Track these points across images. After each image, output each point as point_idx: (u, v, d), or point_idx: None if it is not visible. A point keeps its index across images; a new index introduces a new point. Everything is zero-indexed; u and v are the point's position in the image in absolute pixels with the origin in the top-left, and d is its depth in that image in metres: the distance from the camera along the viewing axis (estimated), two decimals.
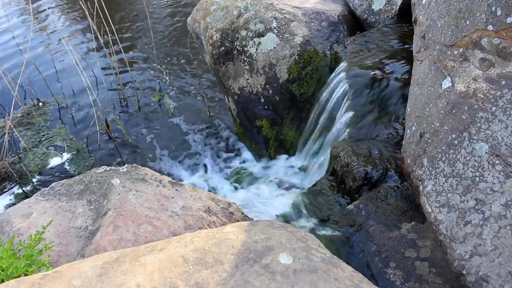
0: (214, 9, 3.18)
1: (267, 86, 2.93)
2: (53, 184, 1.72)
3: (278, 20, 2.89)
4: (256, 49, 2.91)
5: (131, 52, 5.06)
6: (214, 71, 3.44)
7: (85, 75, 3.73)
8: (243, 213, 1.73)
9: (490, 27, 1.29)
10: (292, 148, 2.94)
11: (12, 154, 3.50)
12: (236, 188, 2.93)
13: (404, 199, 1.75)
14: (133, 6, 6.40)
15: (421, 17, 1.68)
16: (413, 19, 1.83)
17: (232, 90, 3.16)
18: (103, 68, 4.70)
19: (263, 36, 2.89)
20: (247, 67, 2.98)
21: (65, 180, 1.75)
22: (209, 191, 1.93)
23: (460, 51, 1.41)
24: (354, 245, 1.67)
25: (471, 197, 1.24)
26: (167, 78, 4.51)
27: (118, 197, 1.55)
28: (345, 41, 2.73)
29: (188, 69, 4.68)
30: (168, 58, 4.93)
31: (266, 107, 2.99)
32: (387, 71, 2.29)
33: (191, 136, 3.70)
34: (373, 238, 1.64)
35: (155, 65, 4.69)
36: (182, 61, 4.85)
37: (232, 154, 3.46)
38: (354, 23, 3.11)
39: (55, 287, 1.02)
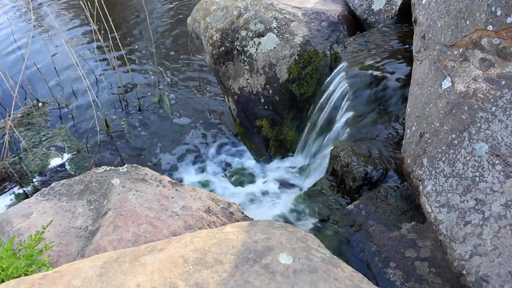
0: (214, 9, 3.18)
1: (267, 86, 2.93)
2: (53, 184, 1.72)
3: (278, 20, 2.89)
4: (256, 49, 2.91)
5: (131, 52, 5.06)
6: (214, 71, 3.44)
7: (85, 75, 3.73)
8: (243, 213, 1.73)
9: (490, 27, 1.29)
10: (292, 148, 2.94)
11: (13, 154, 3.50)
12: (236, 188, 2.93)
13: (404, 199, 1.75)
14: (133, 6, 6.41)
15: (421, 17, 1.68)
16: (413, 19, 1.83)
17: (232, 90, 3.16)
18: (103, 68, 4.70)
19: (263, 36, 2.89)
20: (247, 67, 2.98)
21: (65, 180, 1.75)
22: (209, 191, 1.93)
23: (460, 51, 1.41)
24: (354, 245, 1.67)
25: (471, 197, 1.24)
26: (167, 78, 4.51)
27: (118, 197, 1.55)
28: (345, 41, 2.73)
29: (188, 69, 4.68)
30: (168, 58, 4.93)
31: (266, 107, 2.99)
32: (387, 71, 2.29)
33: (191, 136, 3.70)
34: (373, 238, 1.64)
35: (155, 65, 4.69)
36: (182, 61, 4.85)
37: (232, 154, 3.46)
38: (354, 23, 3.11)
39: (55, 287, 1.02)
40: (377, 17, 2.96)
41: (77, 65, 3.69)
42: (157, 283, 1.05)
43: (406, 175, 1.60)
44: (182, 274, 1.08)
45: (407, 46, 2.46)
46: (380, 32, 2.72)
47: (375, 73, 2.29)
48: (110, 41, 4.33)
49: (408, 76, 2.15)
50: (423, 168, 1.43)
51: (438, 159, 1.38)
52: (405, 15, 2.75)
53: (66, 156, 3.54)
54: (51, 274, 1.07)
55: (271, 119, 3.01)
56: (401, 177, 1.88)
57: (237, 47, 2.99)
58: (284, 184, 2.68)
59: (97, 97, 4.08)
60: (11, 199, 3.16)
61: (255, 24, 2.91)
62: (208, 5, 3.25)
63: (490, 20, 1.29)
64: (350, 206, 1.83)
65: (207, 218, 1.56)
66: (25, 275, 1.15)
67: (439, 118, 1.42)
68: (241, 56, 2.99)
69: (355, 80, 2.35)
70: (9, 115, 3.62)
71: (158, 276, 1.07)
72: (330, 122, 2.52)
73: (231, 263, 1.13)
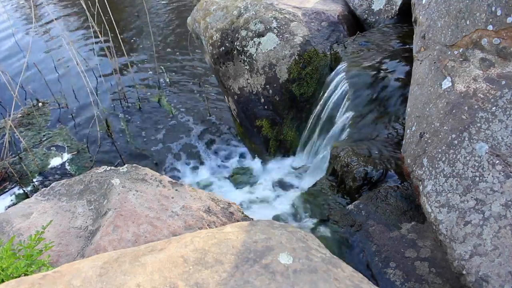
0: (214, 9, 3.18)
1: (267, 86, 2.93)
2: (53, 184, 1.72)
3: (278, 20, 2.89)
4: (256, 49, 2.91)
5: (131, 52, 5.06)
6: (214, 71, 3.44)
7: (86, 75, 3.73)
8: (243, 213, 1.73)
9: (490, 27, 1.29)
10: (292, 148, 2.94)
11: (13, 154, 3.50)
12: (236, 188, 2.93)
13: (404, 199, 1.75)
14: (133, 6, 6.41)
15: (421, 17, 1.68)
16: (413, 19, 1.83)
17: (232, 90, 3.16)
18: (103, 68, 4.69)
19: (263, 36, 2.89)
20: (247, 67, 2.98)
21: (65, 180, 1.75)
22: (209, 191, 1.93)
23: (460, 51, 1.41)
24: (354, 245, 1.67)
25: (471, 197, 1.24)
26: (167, 78, 4.51)
27: (118, 197, 1.55)
28: (345, 41, 2.73)
29: (188, 69, 4.68)
30: (168, 58, 4.93)
31: (266, 107, 2.99)
32: (387, 71, 2.29)
33: (191, 136, 3.70)
34: (373, 238, 1.64)
35: (155, 65, 4.69)
36: (182, 61, 4.85)
37: (232, 154, 3.46)
38: (354, 23, 3.11)
39: (55, 287, 1.02)
40: (377, 17, 2.96)
41: (78, 65, 3.69)
42: (157, 283, 1.05)
43: (406, 175, 1.60)
44: (182, 274, 1.08)
45: (407, 46, 2.46)
46: (380, 32, 2.72)
47: (375, 73, 2.29)
48: (111, 41, 4.33)
49: (408, 76, 2.15)
50: (423, 168, 1.43)
51: (438, 159, 1.38)
52: (405, 15, 2.75)
53: (66, 156, 3.54)
54: (51, 274, 1.07)
55: (271, 119, 3.01)
56: (401, 177, 1.88)
57: (237, 47, 2.99)
58: (284, 184, 2.68)
59: (97, 97, 4.08)
60: (11, 199, 3.16)
61: (255, 24, 2.91)
62: (208, 5, 3.25)
63: (490, 20, 1.29)
64: (350, 206, 1.83)
65: (207, 218, 1.56)
66: (25, 275, 1.15)
67: (439, 118, 1.42)
68: (241, 56, 2.99)
69: (355, 80, 2.35)
70: (9, 115, 3.62)
71: (158, 276, 1.07)
72: (330, 122, 2.52)
73: (231, 263, 1.13)
